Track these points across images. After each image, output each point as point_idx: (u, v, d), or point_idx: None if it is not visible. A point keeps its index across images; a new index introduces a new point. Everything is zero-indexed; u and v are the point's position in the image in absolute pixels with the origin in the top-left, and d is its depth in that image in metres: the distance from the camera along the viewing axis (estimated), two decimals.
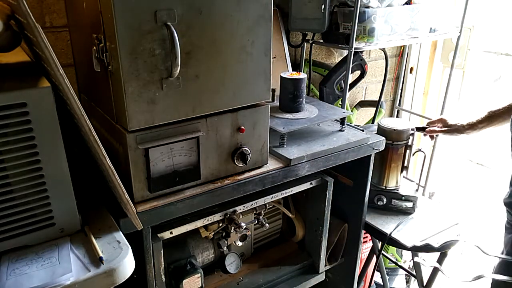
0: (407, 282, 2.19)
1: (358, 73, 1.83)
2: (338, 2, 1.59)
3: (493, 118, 1.37)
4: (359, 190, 1.41)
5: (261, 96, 1.04)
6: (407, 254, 2.16)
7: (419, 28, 1.64)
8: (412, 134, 1.50)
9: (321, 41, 1.71)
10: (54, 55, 0.66)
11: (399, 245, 1.42)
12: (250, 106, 1.04)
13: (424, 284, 1.61)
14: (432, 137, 1.63)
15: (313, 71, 1.85)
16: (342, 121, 1.33)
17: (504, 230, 1.24)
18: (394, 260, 1.93)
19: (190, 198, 0.99)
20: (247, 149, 1.06)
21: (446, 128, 1.50)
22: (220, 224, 1.19)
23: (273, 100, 1.27)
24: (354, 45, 1.48)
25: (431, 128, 1.55)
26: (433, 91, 2.55)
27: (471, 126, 1.43)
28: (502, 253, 1.19)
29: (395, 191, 1.55)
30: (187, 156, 0.98)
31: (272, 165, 1.13)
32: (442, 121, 1.53)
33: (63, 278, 0.73)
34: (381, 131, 1.49)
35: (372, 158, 1.35)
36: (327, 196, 1.33)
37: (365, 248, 1.83)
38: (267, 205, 1.27)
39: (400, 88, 2.35)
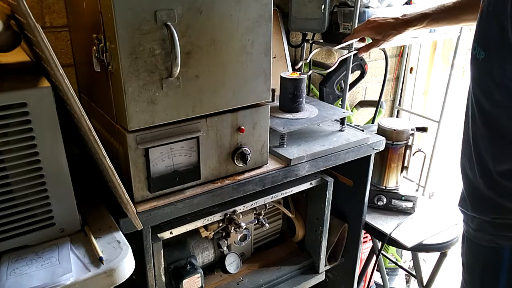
0: (407, 282, 2.19)
1: (358, 73, 1.83)
2: (338, 2, 1.60)
3: (428, 16, 1.22)
4: (359, 190, 1.41)
5: (261, 96, 1.04)
6: (407, 254, 2.16)
7: None
8: (412, 134, 1.50)
9: (321, 41, 1.71)
10: (54, 55, 0.66)
11: (399, 245, 1.42)
12: (250, 106, 1.04)
13: (424, 284, 1.61)
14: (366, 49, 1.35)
15: (313, 71, 1.85)
16: (342, 121, 1.33)
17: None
18: (394, 260, 1.93)
19: (190, 198, 0.99)
20: (247, 149, 1.06)
21: (380, 36, 1.28)
22: (220, 224, 1.19)
23: (273, 100, 1.27)
24: (354, 45, 1.48)
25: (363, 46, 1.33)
26: (433, 91, 2.55)
27: (406, 22, 1.25)
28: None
29: (395, 191, 1.55)
30: (187, 156, 0.98)
31: (272, 165, 1.13)
32: (370, 28, 1.29)
33: (63, 278, 0.73)
34: (381, 131, 1.49)
35: (372, 158, 1.35)
36: (327, 196, 1.32)
37: (365, 248, 1.83)
38: (267, 205, 1.27)
39: (400, 88, 2.35)
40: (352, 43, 1.36)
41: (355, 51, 1.35)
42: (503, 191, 0.85)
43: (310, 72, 1.30)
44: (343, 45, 1.34)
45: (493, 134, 0.84)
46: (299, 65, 1.33)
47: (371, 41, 1.34)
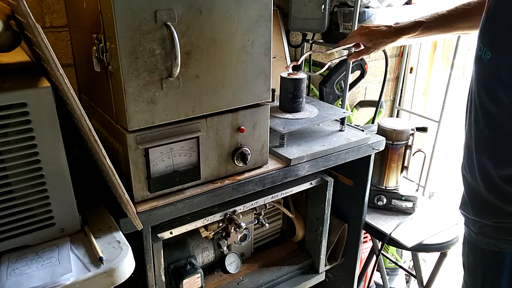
0: (407, 282, 2.19)
1: (358, 73, 1.83)
2: (338, 2, 1.60)
3: (422, 24, 1.19)
4: (359, 190, 1.41)
5: (261, 96, 1.04)
6: (407, 254, 2.16)
7: None
8: (412, 134, 1.50)
9: (321, 41, 1.71)
10: (54, 55, 0.66)
11: (399, 245, 1.42)
12: (250, 106, 1.04)
13: (424, 284, 1.61)
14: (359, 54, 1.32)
15: (313, 71, 1.85)
16: (342, 121, 1.33)
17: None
18: (394, 260, 1.93)
19: (190, 198, 0.99)
20: (247, 149, 1.06)
21: (371, 44, 1.26)
22: (220, 224, 1.19)
23: (273, 100, 1.27)
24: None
25: (356, 51, 1.30)
26: (433, 91, 2.55)
27: (398, 30, 1.22)
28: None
29: (395, 191, 1.55)
30: (187, 156, 0.98)
31: (272, 165, 1.13)
32: (362, 34, 1.26)
33: (63, 278, 0.73)
34: (381, 131, 1.49)
35: (372, 158, 1.35)
36: (327, 196, 1.32)
37: (365, 248, 1.83)
38: (267, 205, 1.27)
39: (400, 88, 2.36)
40: (351, 47, 1.36)
41: (345, 57, 1.34)
42: (505, 196, 0.84)
43: (301, 73, 1.30)
44: (336, 49, 1.34)
45: (497, 137, 0.83)
46: (290, 65, 1.33)
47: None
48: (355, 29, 1.44)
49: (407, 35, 1.22)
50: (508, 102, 0.78)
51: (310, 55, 1.79)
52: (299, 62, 1.37)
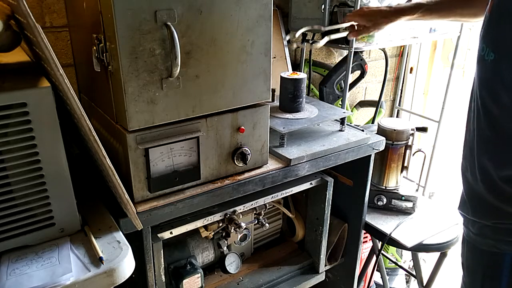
0: (407, 282, 2.19)
1: (358, 73, 1.83)
2: (338, 2, 1.59)
3: (422, 7, 1.20)
4: (359, 190, 1.41)
5: (261, 96, 1.04)
6: (407, 254, 2.16)
7: (419, 28, 1.64)
8: (412, 134, 1.50)
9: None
10: (54, 55, 0.66)
11: (399, 245, 1.42)
12: (250, 106, 1.04)
13: (424, 284, 1.61)
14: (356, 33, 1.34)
15: (313, 71, 1.85)
16: (342, 121, 1.33)
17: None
18: (394, 260, 1.93)
19: (190, 198, 0.99)
20: (247, 149, 1.06)
21: (370, 23, 1.27)
22: (220, 224, 1.19)
23: (273, 100, 1.27)
24: (354, 45, 1.48)
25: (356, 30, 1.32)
26: (433, 91, 2.55)
27: (398, 10, 1.23)
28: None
29: (395, 191, 1.55)
30: (187, 156, 0.98)
31: (272, 165, 1.13)
32: (361, 15, 1.28)
33: (63, 278, 0.73)
34: (381, 131, 1.49)
35: (372, 158, 1.35)
36: (327, 196, 1.32)
37: (365, 248, 1.83)
38: (267, 205, 1.27)
39: (400, 88, 2.36)
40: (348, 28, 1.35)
41: (345, 34, 1.34)
42: (505, 196, 0.83)
43: (300, 43, 1.30)
44: (334, 27, 1.34)
45: (498, 138, 0.83)
46: (295, 40, 1.32)
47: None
48: (356, 9, 1.43)
49: (407, 16, 1.22)
50: (509, 103, 0.78)
51: (310, 55, 1.79)
52: (297, 35, 1.36)
